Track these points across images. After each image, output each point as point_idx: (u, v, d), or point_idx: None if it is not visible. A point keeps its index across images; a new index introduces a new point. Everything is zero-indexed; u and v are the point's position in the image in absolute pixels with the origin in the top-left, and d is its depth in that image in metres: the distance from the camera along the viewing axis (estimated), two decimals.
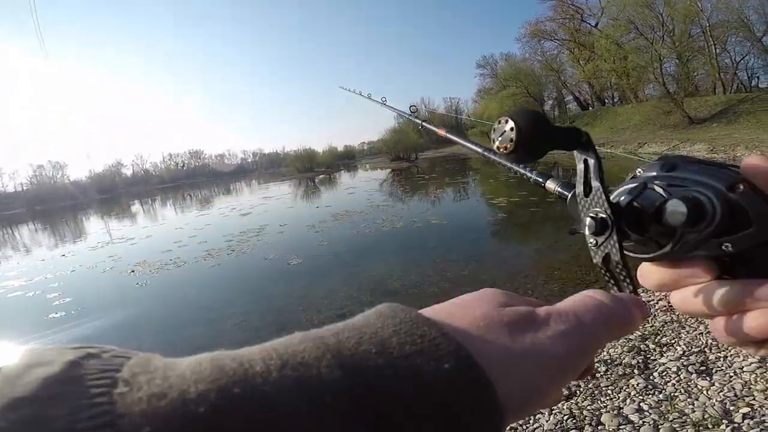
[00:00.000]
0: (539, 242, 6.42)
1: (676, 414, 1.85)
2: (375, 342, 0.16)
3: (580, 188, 0.29)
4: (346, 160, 60.64)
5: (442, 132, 0.77)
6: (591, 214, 0.27)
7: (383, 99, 1.36)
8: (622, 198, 0.27)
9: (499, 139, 0.27)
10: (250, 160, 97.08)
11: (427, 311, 0.20)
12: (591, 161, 0.29)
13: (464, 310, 0.20)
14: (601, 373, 2.37)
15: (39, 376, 0.13)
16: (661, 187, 0.26)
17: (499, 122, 0.27)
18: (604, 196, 0.27)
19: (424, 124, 0.90)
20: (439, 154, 41.91)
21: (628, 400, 2.03)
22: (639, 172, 0.29)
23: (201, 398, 0.13)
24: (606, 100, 36.04)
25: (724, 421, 1.73)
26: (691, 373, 2.13)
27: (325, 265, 6.29)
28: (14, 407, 0.12)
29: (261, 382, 0.14)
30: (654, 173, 0.28)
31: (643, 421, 1.85)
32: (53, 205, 49.40)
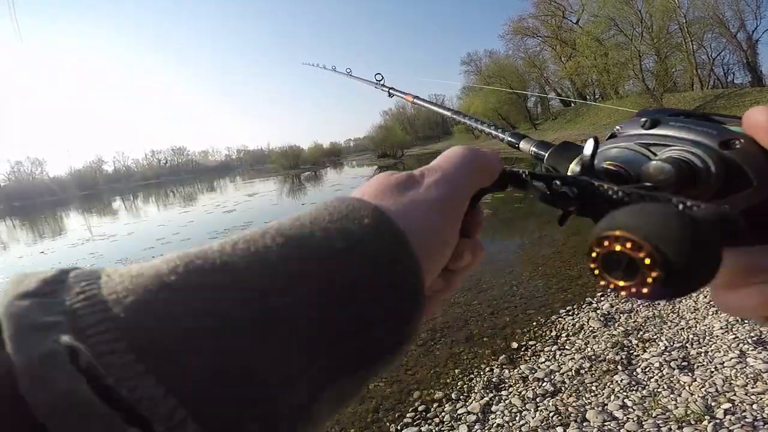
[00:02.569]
0: (523, 238, 6.47)
1: (660, 410, 1.88)
2: (310, 218, 0.20)
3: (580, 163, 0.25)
4: (332, 157, 60.38)
5: (409, 98, 0.76)
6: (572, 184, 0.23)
7: (348, 70, 1.31)
8: (612, 167, 0.24)
9: (627, 275, 0.16)
10: (234, 157, 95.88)
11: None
12: None
13: (369, 185, 0.25)
14: (586, 369, 2.40)
15: (38, 278, 0.15)
16: (644, 147, 0.23)
17: (624, 242, 0.16)
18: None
19: (391, 90, 0.87)
20: (426, 151, 42.01)
21: (612, 397, 2.05)
22: (618, 129, 0.26)
23: (171, 270, 0.16)
24: (588, 97, 36.58)
25: (706, 417, 1.76)
26: (674, 369, 2.16)
27: None
28: (22, 298, 0.14)
29: (218, 254, 0.17)
30: (635, 131, 0.24)
31: (627, 418, 1.88)
32: (32, 201, 48.03)
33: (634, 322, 2.83)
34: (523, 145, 0.37)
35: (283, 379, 0.15)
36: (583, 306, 3.40)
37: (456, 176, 0.26)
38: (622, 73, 25.38)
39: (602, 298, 3.47)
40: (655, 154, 0.23)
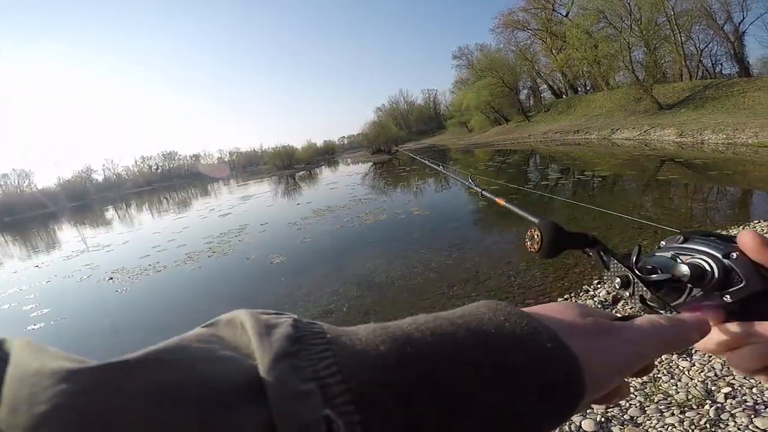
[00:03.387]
0: (519, 229, 6.49)
1: (661, 395, 1.89)
2: (492, 324, 0.22)
3: (603, 269, 0.37)
4: (327, 155, 60.21)
5: (501, 201, 0.79)
6: (618, 276, 0.35)
7: (443, 166, 1.42)
8: (649, 267, 0.35)
9: (530, 241, 0.39)
10: (227, 159, 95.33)
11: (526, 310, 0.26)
12: (601, 251, 0.37)
13: (556, 314, 0.27)
14: None
15: (282, 334, 0.18)
16: (675, 254, 0.35)
17: (531, 230, 0.39)
18: (618, 264, 0.35)
19: (483, 191, 0.93)
20: (420, 146, 41.92)
21: None
22: (662, 244, 0.38)
23: (389, 354, 0.19)
24: (579, 88, 36.66)
25: (707, 401, 1.78)
26: (672, 354, 2.18)
27: (309, 261, 6.22)
28: (279, 360, 0.17)
29: (420, 343, 0.20)
30: (673, 245, 0.36)
31: (630, 404, 1.89)
32: (22, 216, 47.28)
33: (630, 308, 2.84)
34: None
35: None
36: (581, 293, 3.42)
37: (646, 345, 0.27)
38: (612, 64, 25.40)
39: (599, 286, 3.49)
40: (681, 261, 0.34)
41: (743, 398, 1.76)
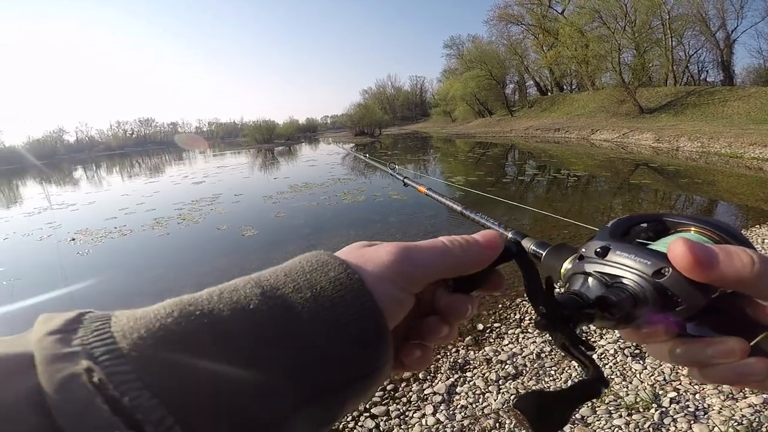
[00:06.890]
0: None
1: (612, 396, 1.94)
2: (285, 271, 0.24)
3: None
4: (308, 132, 59.35)
5: (422, 189, 0.81)
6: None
7: (367, 156, 1.56)
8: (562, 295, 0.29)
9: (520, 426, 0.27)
10: (205, 129, 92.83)
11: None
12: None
13: (348, 252, 0.29)
14: (546, 353, 2.45)
15: (62, 318, 0.20)
16: (598, 277, 0.29)
17: (515, 414, 0.26)
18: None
19: (405, 180, 0.96)
20: (403, 131, 41.70)
21: (569, 381, 2.10)
22: (583, 251, 0.31)
23: (168, 313, 0.20)
24: (564, 87, 36.95)
25: (653, 405, 1.83)
26: (627, 356, 2.23)
27: (282, 236, 6.14)
28: (50, 334, 0.19)
29: (207, 302, 0.22)
30: (593, 259, 0.30)
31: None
32: None
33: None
34: (524, 242, 0.41)
35: (261, 399, 0.20)
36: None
37: (417, 251, 0.29)
38: (600, 65, 25.61)
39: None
40: (607, 287, 0.28)
41: (686, 404, 1.82)
